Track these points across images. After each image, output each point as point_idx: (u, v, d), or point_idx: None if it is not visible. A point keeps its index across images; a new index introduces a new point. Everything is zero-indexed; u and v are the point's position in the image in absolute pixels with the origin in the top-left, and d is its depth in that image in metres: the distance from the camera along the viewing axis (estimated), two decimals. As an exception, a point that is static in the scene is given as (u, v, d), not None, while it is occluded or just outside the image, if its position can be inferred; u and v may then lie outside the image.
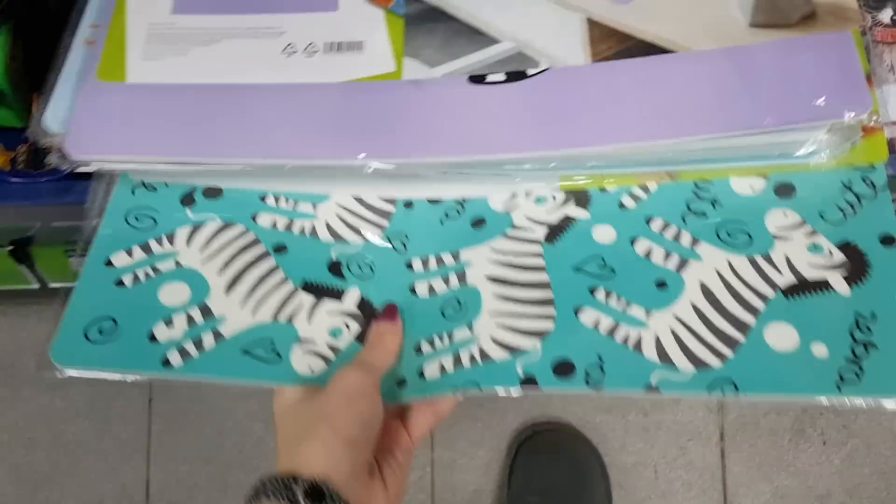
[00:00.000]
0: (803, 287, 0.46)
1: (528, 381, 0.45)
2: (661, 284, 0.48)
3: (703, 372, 0.44)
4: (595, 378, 0.45)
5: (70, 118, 0.50)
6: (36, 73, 0.75)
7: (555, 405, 1.05)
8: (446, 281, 0.50)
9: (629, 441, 1.05)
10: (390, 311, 0.48)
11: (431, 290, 0.50)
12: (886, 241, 0.47)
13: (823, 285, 0.46)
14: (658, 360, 0.45)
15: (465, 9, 0.54)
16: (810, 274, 0.46)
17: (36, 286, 1.00)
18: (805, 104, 0.46)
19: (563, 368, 0.45)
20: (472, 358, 0.46)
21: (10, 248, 0.90)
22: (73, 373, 0.46)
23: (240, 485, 1.09)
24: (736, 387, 0.43)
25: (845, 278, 0.46)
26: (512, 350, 0.46)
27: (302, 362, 0.47)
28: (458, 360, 0.46)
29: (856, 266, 0.46)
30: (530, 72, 0.51)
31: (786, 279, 0.47)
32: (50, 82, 0.51)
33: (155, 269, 0.50)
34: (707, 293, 0.47)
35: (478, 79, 0.51)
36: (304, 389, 0.45)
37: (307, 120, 0.50)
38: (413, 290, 0.50)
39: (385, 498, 0.44)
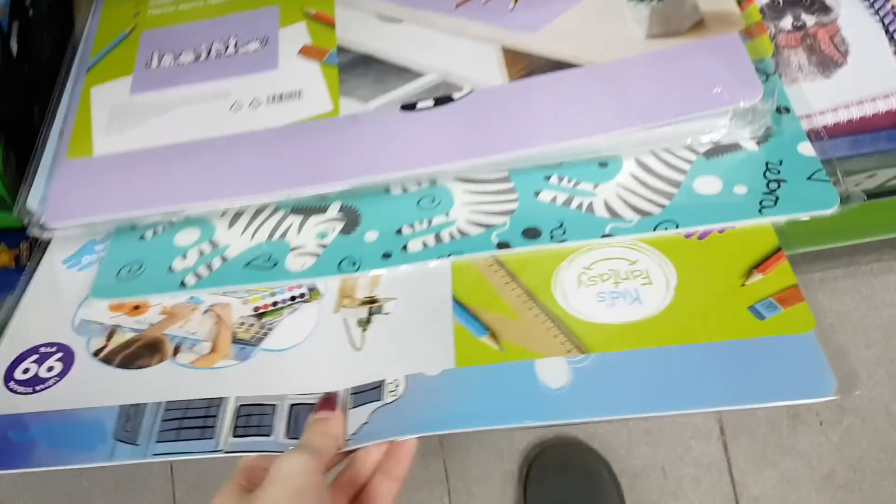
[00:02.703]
0: (720, 150, 0.54)
1: (502, 244, 0.52)
2: (603, 164, 0.55)
3: (647, 218, 0.51)
4: (558, 235, 0.51)
5: (46, 195, 0.56)
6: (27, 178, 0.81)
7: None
8: (419, 183, 0.56)
9: (634, 446, 1.08)
10: (328, 401, 0.47)
11: (405, 189, 0.56)
12: (782, 110, 0.55)
13: (736, 147, 0.54)
14: (608, 216, 0.52)
15: (391, 52, 0.60)
16: (725, 140, 0.54)
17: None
18: (704, 96, 0.51)
19: (531, 233, 0.52)
20: (451, 235, 0.53)
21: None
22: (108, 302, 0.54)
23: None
24: (676, 224, 0.50)
25: (753, 140, 0.54)
26: (486, 226, 0.53)
27: (295, 262, 0.54)
28: (438, 238, 0.53)
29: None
30: (456, 95, 0.56)
31: (705, 147, 0.54)
32: (30, 171, 0.57)
33: (171, 223, 0.57)
34: (642, 165, 0.54)
35: (409, 107, 0.56)
36: (245, 489, 0.43)
37: (258, 161, 0.56)
38: (387, 190, 0.57)
39: None
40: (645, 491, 1.06)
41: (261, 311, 0.52)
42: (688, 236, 0.50)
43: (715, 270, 0.48)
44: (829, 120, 0.56)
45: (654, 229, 0.51)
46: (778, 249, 0.48)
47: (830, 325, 0.45)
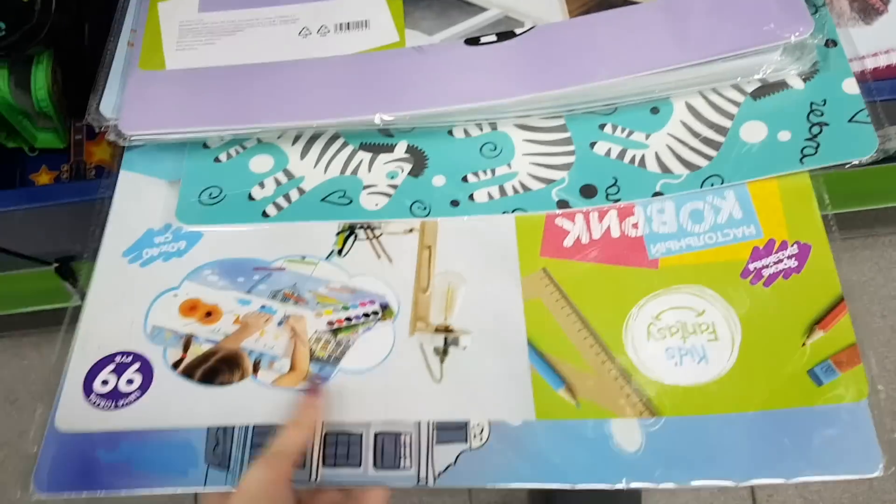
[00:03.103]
0: (767, 89, 0.56)
1: (562, 203, 0.54)
2: (655, 110, 0.57)
3: (695, 173, 0.54)
4: (612, 194, 0.54)
5: (121, 104, 0.58)
6: (73, 98, 0.83)
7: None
8: (479, 127, 0.58)
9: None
10: (314, 388, 0.50)
11: (467, 133, 0.58)
12: (829, 43, 0.56)
13: (783, 85, 0.56)
14: (659, 171, 0.54)
15: (455, -15, 0.62)
16: (772, 78, 0.55)
17: (78, 303, 1.06)
18: (757, 31, 0.53)
19: (588, 191, 0.54)
20: (514, 188, 0.55)
21: (56, 265, 0.96)
22: (193, 228, 0.56)
23: None
24: (722, 179, 0.53)
25: (800, 77, 0.56)
26: (546, 181, 0.55)
27: (368, 201, 0.56)
28: (502, 191, 0.55)
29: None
30: (518, 31, 0.58)
31: (753, 85, 0.56)
32: (100, 80, 0.58)
33: (242, 147, 0.59)
34: (692, 109, 0.56)
35: (472, 41, 0.58)
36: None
37: (327, 86, 0.57)
38: (450, 133, 0.58)
39: None
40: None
41: (335, 326, 0.52)
42: (753, 282, 0.51)
43: (778, 325, 0.49)
44: (869, 65, 0.58)
45: (701, 185, 0.53)
46: (841, 300, 0.49)
47: (882, 393, 0.47)
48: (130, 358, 0.52)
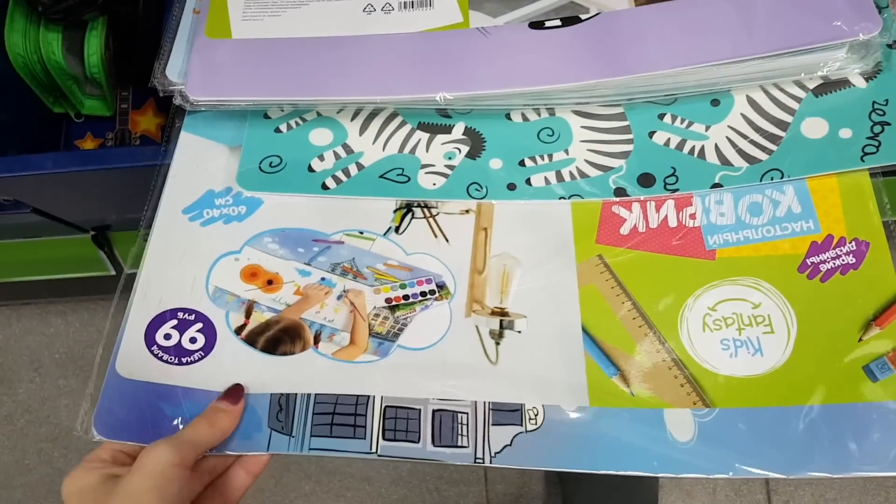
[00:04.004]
0: (829, 86, 0.56)
1: (620, 190, 0.55)
2: (715, 102, 0.57)
3: (755, 166, 0.54)
4: (671, 184, 0.54)
5: (186, 69, 0.58)
6: (123, 66, 0.83)
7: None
8: (537, 112, 0.58)
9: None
10: (234, 392, 0.49)
11: (525, 117, 0.58)
12: (893, 45, 0.56)
13: (845, 83, 0.56)
14: (719, 163, 0.54)
15: (520, -31, 0.62)
16: (835, 75, 0.55)
17: (112, 273, 1.07)
18: (824, 27, 0.53)
19: (646, 179, 0.54)
20: (571, 174, 0.55)
21: (93, 233, 0.96)
22: (253, 194, 0.56)
23: None
24: (782, 173, 0.53)
25: (863, 76, 0.55)
26: (603, 168, 0.55)
27: (426, 180, 0.56)
28: (559, 176, 0.56)
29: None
30: (583, 17, 0.58)
31: (815, 82, 0.56)
32: (166, 44, 0.59)
33: (302, 119, 0.59)
34: (752, 103, 0.56)
35: (537, 25, 0.58)
36: (104, 474, 0.44)
37: (389, 63, 0.57)
38: (508, 116, 0.59)
39: None
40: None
41: (393, 303, 0.53)
42: (810, 277, 0.51)
43: (834, 321, 0.49)
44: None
45: (761, 179, 0.53)
46: None
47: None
48: (193, 316, 0.52)
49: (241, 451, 0.48)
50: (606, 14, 0.58)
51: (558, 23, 0.58)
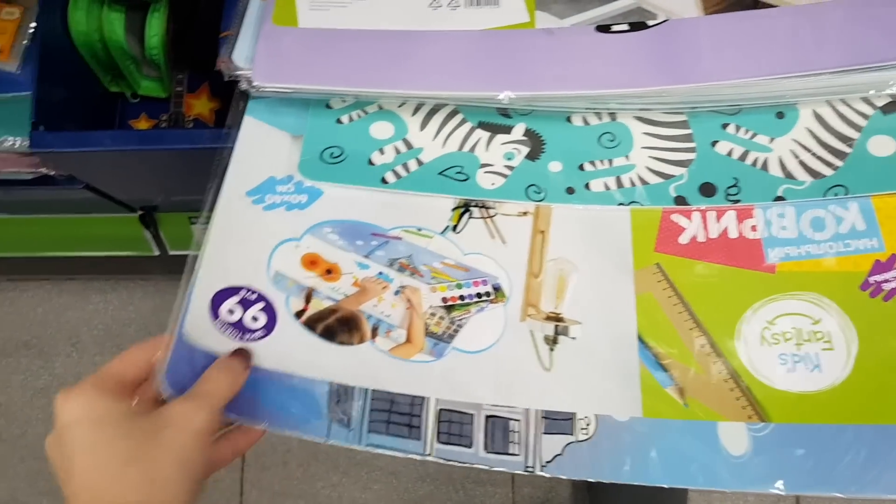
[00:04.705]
0: None
1: (680, 199, 0.54)
2: (780, 115, 0.56)
3: (819, 181, 0.53)
4: (732, 195, 0.53)
5: (253, 55, 0.58)
6: (181, 50, 0.84)
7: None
8: (598, 116, 0.58)
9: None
10: (243, 353, 0.50)
11: (586, 121, 0.58)
12: None
13: None
14: (782, 176, 0.53)
15: (588, -29, 0.61)
16: None
17: (156, 253, 1.08)
18: (894, 45, 0.52)
19: (707, 189, 0.54)
20: (631, 181, 0.55)
21: (140, 213, 0.97)
22: (314, 184, 0.56)
23: None
24: (846, 190, 0.52)
25: None
26: (664, 175, 0.55)
27: (485, 180, 0.56)
28: (619, 182, 0.55)
29: None
30: (651, 23, 0.57)
31: (882, 100, 0.55)
32: (234, 30, 0.59)
33: (364, 111, 0.59)
34: (818, 117, 0.55)
35: (604, 28, 0.57)
36: (126, 409, 0.43)
37: (453, 59, 0.57)
38: (569, 119, 0.58)
39: None
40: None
41: (449, 302, 0.53)
42: (873, 295, 0.50)
43: None
44: None
45: (825, 194, 0.52)
46: None
47: None
48: (255, 296, 0.53)
49: (300, 433, 0.49)
50: (674, 21, 0.57)
51: (626, 27, 0.57)
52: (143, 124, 0.90)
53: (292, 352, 0.51)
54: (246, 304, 0.52)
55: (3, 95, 0.79)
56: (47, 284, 1.38)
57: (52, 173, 0.79)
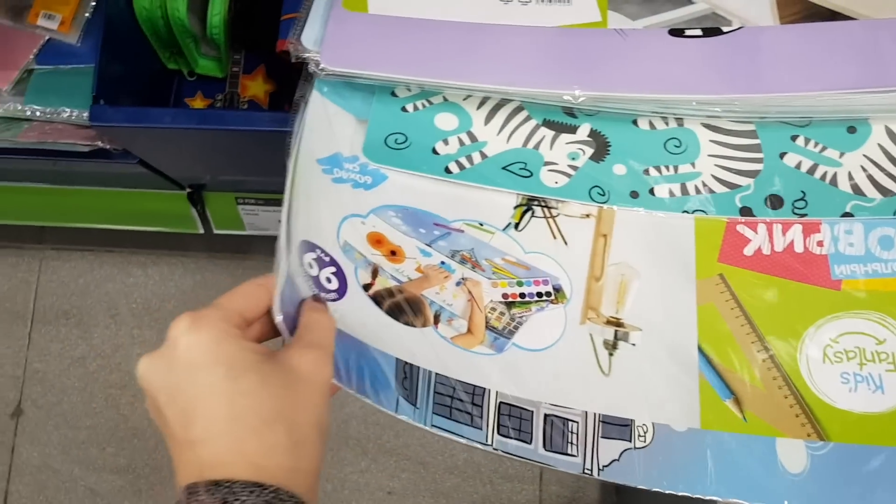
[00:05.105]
0: None
1: (745, 210, 0.53)
2: (852, 130, 0.54)
3: (890, 199, 0.51)
4: (800, 208, 0.52)
5: (322, 38, 0.58)
6: (241, 30, 0.84)
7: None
8: (665, 121, 0.57)
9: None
10: (320, 300, 0.50)
11: (652, 125, 0.57)
12: None
13: None
14: (851, 192, 0.52)
15: (663, -25, 0.60)
16: None
17: (201, 231, 1.08)
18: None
19: (774, 201, 0.53)
20: (697, 188, 0.54)
21: (189, 190, 0.98)
22: (378, 167, 0.56)
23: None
24: None
25: None
26: (730, 185, 0.54)
27: (548, 178, 0.55)
28: (684, 189, 0.54)
29: None
30: (725, 29, 0.56)
31: None
32: (303, 12, 0.59)
33: (429, 101, 0.59)
34: (891, 134, 0.54)
35: (677, 32, 0.57)
36: (262, 351, 0.42)
37: (522, 54, 0.57)
38: (635, 122, 0.57)
39: None
40: None
41: (509, 299, 0.53)
42: None
43: None
44: None
45: (895, 213, 0.51)
46: None
47: None
48: (329, 259, 0.53)
49: (370, 400, 0.49)
50: (749, 29, 0.56)
51: (699, 32, 0.56)
52: (198, 103, 0.90)
53: (364, 320, 0.51)
54: (321, 263, 0.53)
55: (62, 67, 0.80)
56: (90, 255, 1.39)
57: (108, 147, 0.79)
